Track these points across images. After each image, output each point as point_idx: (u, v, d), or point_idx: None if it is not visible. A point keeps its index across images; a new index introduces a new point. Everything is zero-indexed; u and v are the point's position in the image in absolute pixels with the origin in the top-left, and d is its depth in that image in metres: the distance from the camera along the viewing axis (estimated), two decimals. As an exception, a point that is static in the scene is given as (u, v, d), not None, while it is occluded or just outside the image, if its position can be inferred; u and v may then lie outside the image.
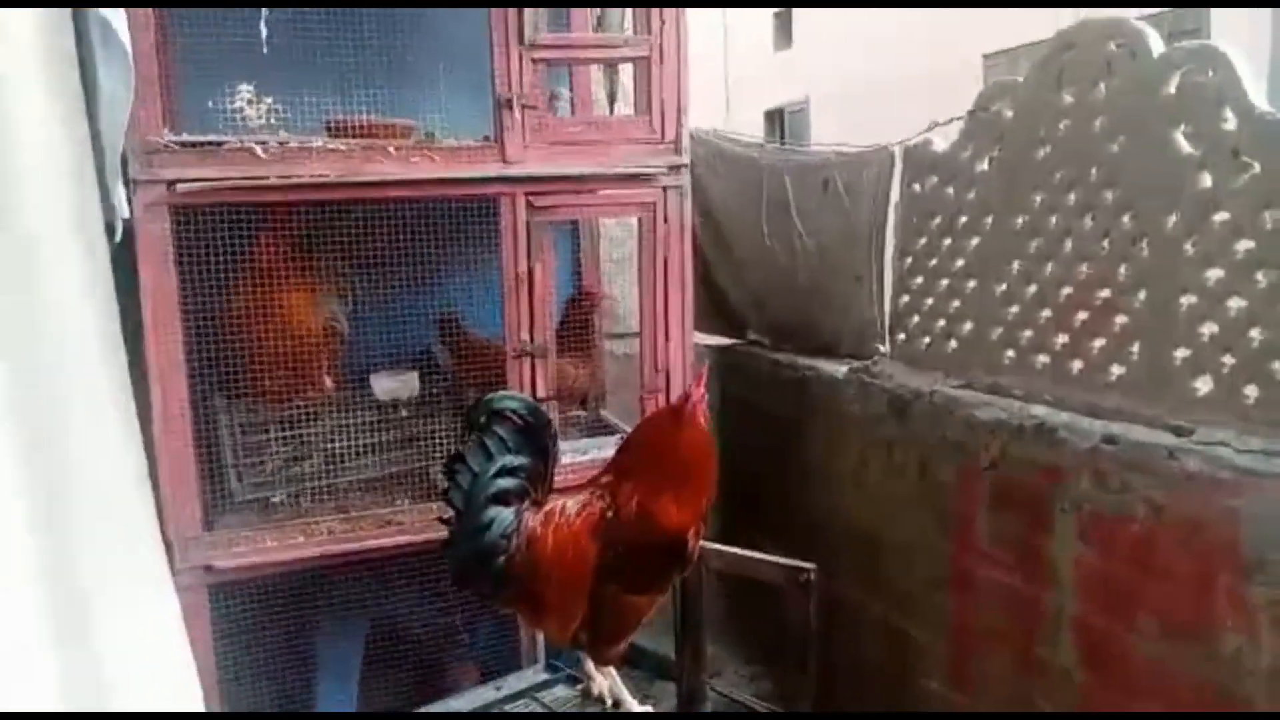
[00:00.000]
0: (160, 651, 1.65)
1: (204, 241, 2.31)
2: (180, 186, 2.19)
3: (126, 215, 2.12)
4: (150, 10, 2.11)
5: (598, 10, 2.87)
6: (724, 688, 3.20)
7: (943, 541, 2.60)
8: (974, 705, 2.52)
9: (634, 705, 2.02)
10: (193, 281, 2.33)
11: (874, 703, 2.90)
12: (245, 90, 2.31)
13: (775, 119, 18.70)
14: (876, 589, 2.86)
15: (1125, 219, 2.13)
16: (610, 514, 1.95)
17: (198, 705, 1.75)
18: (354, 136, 2.39)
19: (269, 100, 2.33)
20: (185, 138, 2.25)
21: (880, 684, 2.88)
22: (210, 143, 2.25)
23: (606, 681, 2.08)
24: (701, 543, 2.64)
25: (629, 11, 2.68)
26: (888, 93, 13.35)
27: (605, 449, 2.96)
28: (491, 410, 1.98)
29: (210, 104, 2.32)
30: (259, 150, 2.26)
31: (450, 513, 1.94)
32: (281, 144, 2.28)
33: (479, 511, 1.90)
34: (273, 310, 2.51)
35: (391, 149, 2.36)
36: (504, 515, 1.91)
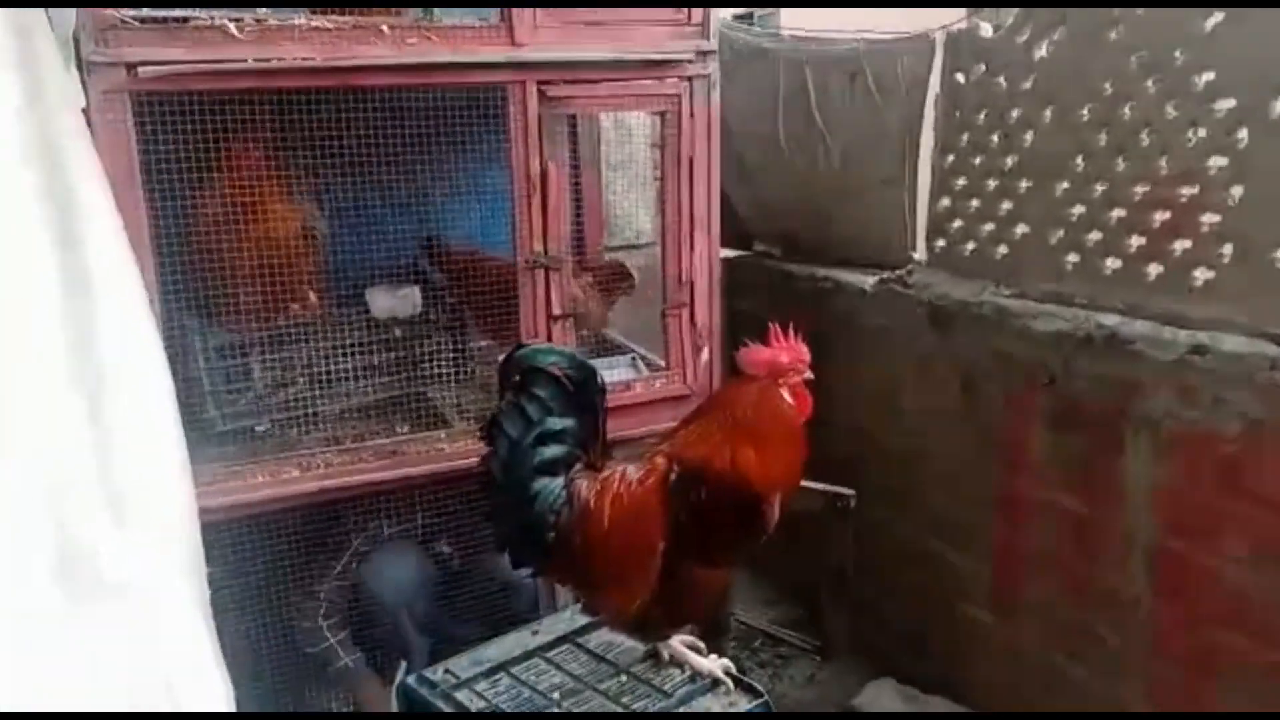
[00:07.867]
0: None
1: (166, 139, 2.00)
2: (143, 70, 1.87)
3: (83, 104, 1.81)
4: None
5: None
6: (743, 616, 3.06)
7: (988, 462, 2.43)
8: (1021, 632, 2.39)
9: (702, 665, 1.82)
10: (155, 187, 2.03)
11: (907, 629, 2.77)
12: (214, -45, 1.97)
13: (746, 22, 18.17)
14: (911, 513, 2.70)
15: (1218, 104, 1.91)
16: (676, 470, 1.73)
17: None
18: (341, 13, 2.07)
19: (242, -32, 1.99)
20: (146, 12, 1.92)
21: (915, 609, 2.74)
22: (175, 19, 1.93)
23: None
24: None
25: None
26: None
27: (617, 369, 2.74)
28: (527, 368, 1.75)
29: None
30: (232, 28, 1.94)
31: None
32: (259, 21, 1.97)
33: (523, 484, 1.71)
34: (247, 217, 2.22)
35: (385, 28, 2.05)
36: (550, 487, 1.72)
